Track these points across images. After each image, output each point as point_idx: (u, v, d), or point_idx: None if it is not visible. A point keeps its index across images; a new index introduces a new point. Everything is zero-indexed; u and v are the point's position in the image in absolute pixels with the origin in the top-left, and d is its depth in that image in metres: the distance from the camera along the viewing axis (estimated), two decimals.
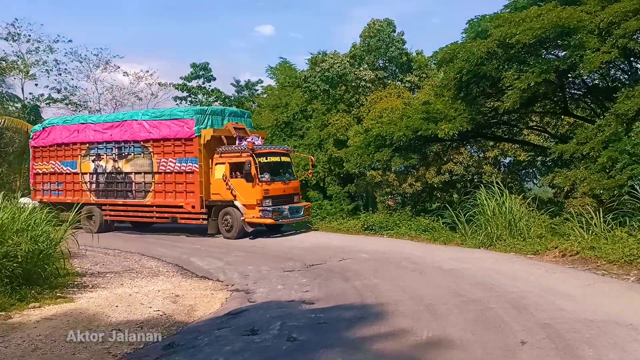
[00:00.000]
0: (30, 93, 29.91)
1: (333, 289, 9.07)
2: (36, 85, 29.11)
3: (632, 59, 13.83)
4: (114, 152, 17.01)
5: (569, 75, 13.91)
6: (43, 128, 19.17)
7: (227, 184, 15.28)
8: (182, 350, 6.31)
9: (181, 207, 15.85)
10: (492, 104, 15.54)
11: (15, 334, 6.84)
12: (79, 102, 28.66)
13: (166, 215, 16.49)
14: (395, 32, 26.02)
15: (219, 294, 9.21)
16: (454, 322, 6.73)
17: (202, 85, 29.23)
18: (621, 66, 14.08)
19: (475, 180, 22.33)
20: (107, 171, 17.20)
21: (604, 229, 10.76)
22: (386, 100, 24.58)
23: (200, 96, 29.12)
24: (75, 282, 9.80)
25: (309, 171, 17.76)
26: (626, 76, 14.27)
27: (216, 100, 29.64)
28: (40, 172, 18.95)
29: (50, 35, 43.52)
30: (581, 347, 5.56)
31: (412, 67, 26.24)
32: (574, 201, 17.93)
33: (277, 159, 16.13)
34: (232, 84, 30.63)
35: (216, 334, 6.87)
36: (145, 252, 13.67)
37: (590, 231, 10.89)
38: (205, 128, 15.48)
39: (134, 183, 16.73)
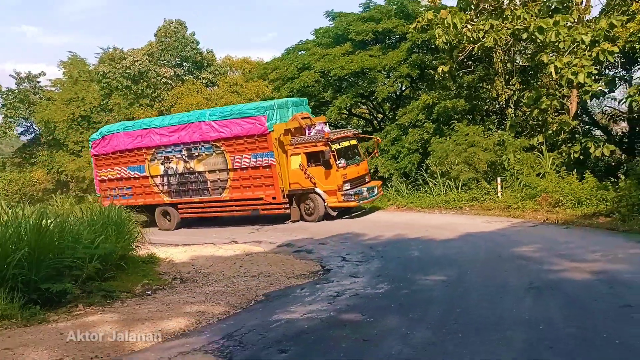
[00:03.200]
0: None
1: None
2: None
3: (404, 89, 22.00)
4: (182, 153, 17.17)
5: (370, 97, 21.11)
6: (102, 136, 18.82)
7: (305, 173, 16.03)
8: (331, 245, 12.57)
9: (261, 199, 16.59)
10: None
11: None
12: None
13: (247, 208, 17.10)
14: (187, 31, 29.60)
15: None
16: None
17: None
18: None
19: None
20: (179, 172, 17.34)
21: (408, 194, 18.33)
22: (188, 95, 28.45)
23: None
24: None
25: (375, 151, 18.98)
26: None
27: None
28: (105, 178, 18.98)
29: None
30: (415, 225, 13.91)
31: (204, 65, 30.34)
32: None
33: (347, 143, 16.86)
34: (11, 75, 28.72)
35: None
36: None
37: (400, 195, 18.30)
38: (275, 122, 16.25)
39: (208, 181, 17.07)
